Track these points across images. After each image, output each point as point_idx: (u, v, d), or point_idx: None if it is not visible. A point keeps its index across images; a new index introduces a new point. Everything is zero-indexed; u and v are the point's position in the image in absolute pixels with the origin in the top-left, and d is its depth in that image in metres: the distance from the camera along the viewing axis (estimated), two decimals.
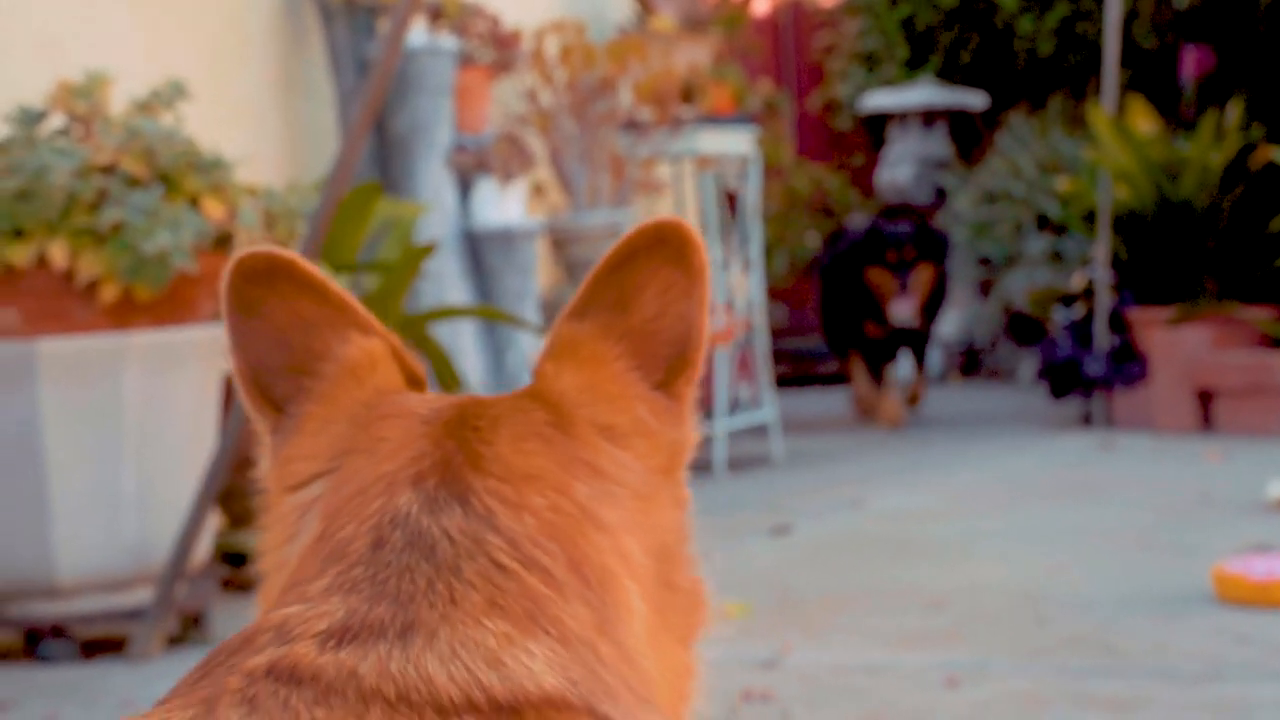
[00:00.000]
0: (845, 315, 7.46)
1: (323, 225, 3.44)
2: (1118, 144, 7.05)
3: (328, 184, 3.43)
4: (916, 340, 7.46)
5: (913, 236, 7.08)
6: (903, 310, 7.07)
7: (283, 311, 1.16)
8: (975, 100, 10.14)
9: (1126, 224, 7.06)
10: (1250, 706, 2.74)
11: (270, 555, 1.14)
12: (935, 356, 8.00)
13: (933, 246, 7.09)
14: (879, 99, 10.20)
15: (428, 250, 4.36)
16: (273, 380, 1.17)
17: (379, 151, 5.15)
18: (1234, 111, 7.20)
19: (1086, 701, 2.81)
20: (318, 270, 1.16)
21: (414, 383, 1.18)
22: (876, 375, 7.36)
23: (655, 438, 1.16)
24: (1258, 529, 4.32)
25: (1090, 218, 7.19)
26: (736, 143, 6.59)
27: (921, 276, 7.06)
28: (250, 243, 3.66)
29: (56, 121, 3.70)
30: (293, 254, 1.15)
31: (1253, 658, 3.06)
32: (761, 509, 5.25)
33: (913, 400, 7.62)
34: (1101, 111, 7.10)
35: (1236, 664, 3.02)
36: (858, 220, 8.34)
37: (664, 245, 1.16)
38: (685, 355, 1.17)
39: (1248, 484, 5.02)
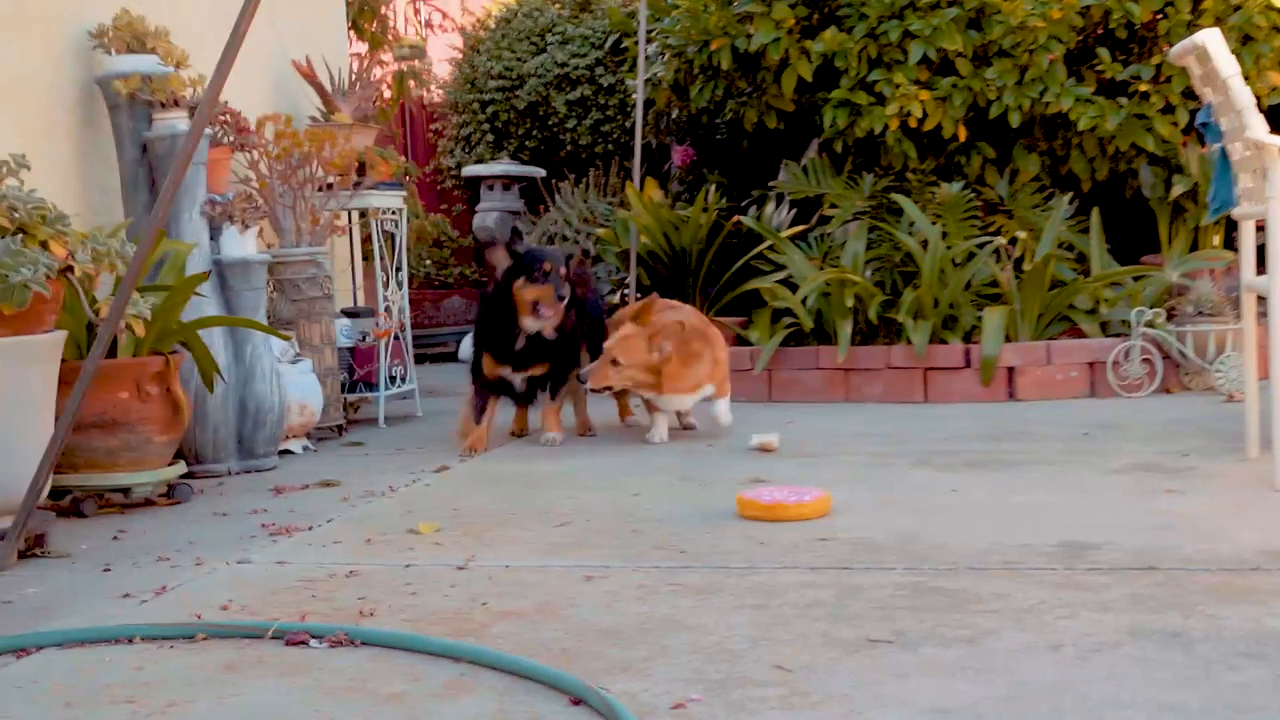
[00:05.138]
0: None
1: (142, 262, 3.28)
2: (641, 208, 7.21)
3: (145, 233, 3.27)
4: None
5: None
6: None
7: None
8: (538, 171, 10.21)
9: (647, 260, 7.23)
10: (780, 589, 2.85)
11: None
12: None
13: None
14: (474, 169, 10.17)
15: (203, 277, 4.19)
16: None
17: (154, 205, 4.90)
18: (712, 189, 7.45)
19: (681, 590, 2.87)
20: None
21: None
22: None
23: None
24: (749, 467, 4.50)
25: (624, 255, 7.34)
26: (393, 200, 6.50)
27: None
28: (83, 274, 3.46)
29: None
30: None
31: (773, 555, 3.16)
32: (420, 454, 5.21)
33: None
34: (633, 186, 7.25)
35: (764, 560, 3.11)
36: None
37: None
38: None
39: (734, 435, 5.21)
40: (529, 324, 5.14)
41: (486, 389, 5.28)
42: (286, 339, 4.74)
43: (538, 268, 5.10)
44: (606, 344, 5.12)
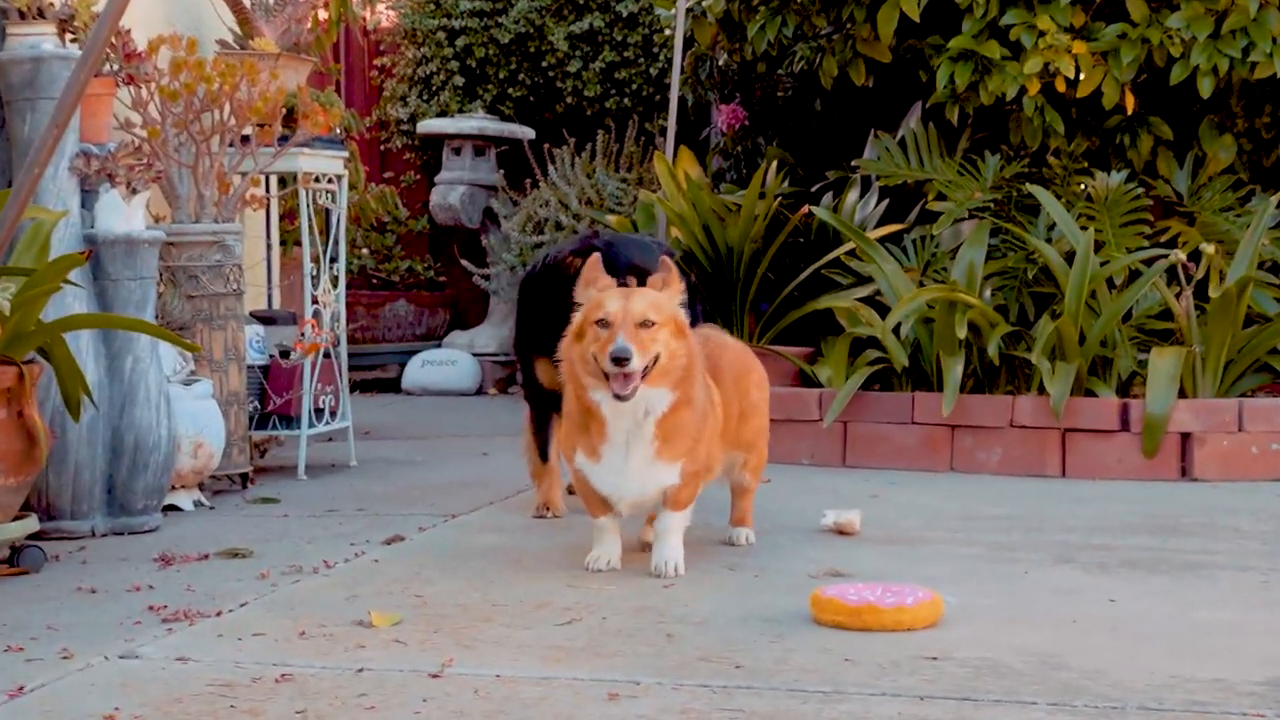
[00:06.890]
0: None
1: (7, 236, 3.37)
2: (673, 189, 7.31)
3: (13, 197, 3.36)
4: None
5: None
6: None
7: None
8: (526, 132, 10.34)
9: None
10: None
11: None
12: None
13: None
14: (435, 124, 10.31)
15: (80, 259, 4.28)
16: None
17: (2, 155, 5.00)
18: (772, 167, 7.50)
19: (742, 718, 2.93)
20: None
21: None
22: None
23: None
24: (820, 554, 4.56)
25: None
26: (332, 164, 6.61)
27: None
28: None
29: None
30: None
31: (865, 677, 3.21)
32: (359, 518, 5.28)
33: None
34: (663, 158, 7.36)
35: (852, 683, 3.17)
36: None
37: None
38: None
39: (798, 509, 5.27)
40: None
41: (546, 406, 5.15)
42: (195, 350, 4.84)
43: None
44: (617, 308, 4.19)
